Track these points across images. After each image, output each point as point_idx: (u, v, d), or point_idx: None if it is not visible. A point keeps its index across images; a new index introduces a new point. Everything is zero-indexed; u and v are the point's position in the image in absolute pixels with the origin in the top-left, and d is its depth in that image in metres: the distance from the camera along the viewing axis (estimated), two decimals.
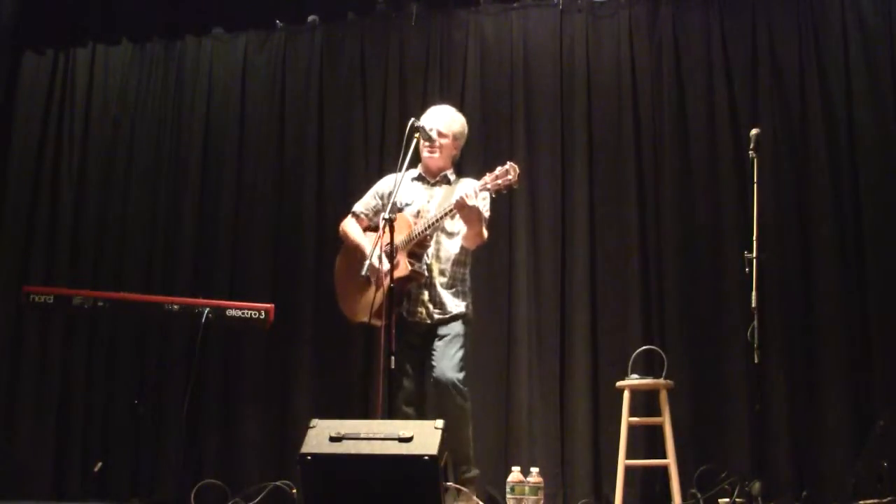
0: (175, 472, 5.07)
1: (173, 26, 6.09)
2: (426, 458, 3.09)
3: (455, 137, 4.10)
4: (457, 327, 3.92)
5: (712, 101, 5.25)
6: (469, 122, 5.47)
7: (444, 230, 3.97)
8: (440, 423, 3.21)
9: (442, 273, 3.94)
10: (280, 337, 5.36)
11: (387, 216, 3.64)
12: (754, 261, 4.14)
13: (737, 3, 5.33)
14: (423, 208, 3.99)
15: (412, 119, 3.97)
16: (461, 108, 5.52)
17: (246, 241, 5.73)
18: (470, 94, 5.58)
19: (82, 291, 4.91)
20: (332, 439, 3.18)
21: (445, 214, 3.80)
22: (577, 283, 5.20)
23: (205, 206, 5.83)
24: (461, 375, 3.86)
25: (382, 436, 3.17)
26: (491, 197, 3.89)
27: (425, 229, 3.84)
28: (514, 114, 5.48)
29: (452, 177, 4.13)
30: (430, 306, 3.91)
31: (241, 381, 5.52)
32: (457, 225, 3.91)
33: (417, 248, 3.86)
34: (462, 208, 3.71)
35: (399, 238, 3.80)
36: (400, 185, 3.80)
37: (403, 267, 3.79)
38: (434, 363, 3.87)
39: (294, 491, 4.36)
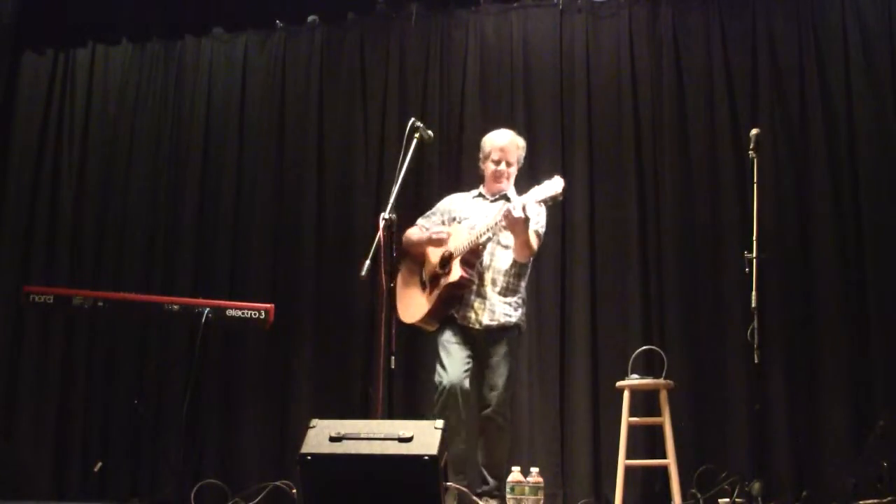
0: (175, 472, 5.07)
1: (173, 26, 6.10)
2: (426, 458, 3.08)
3: (519, 160, 4.23)
4: (505, 346, 3.99)
5: (712, 101, 5.25)
6: (468, 122, 5.53)
7: (499, 242, 4.06)
8: (440, 423, 3.21)
9: (494, 282, 4.03)
10: (280, 337, 5.36)
11: (387, 216, 3.68)
12: (754, 261, 4.14)
13: (737, 3, 5.33)
14: (479, 222, 4.05)
15: (412, 119, 3.98)
16: (461, 108, 5.57)
17: (246, 241, 5.73)
18: (470, 94, 5.58)
19: (82, 291, 4.90)
20: (332, 439, 3.18)
21: (496, 224, 3.88)
22: (577, 283, 5.20)
23: (205, 206, 5.83)
24: (505, 396, 3.96)
25: (382, 436, 3.17)
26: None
27: (477, 238, 3.94)
28: (514, 114, 5.47)
29: (512, 193, 4.17)
30: (481, 312, 4.00)
31: (241, 381, 5.52)
32: (511, 238, 3.98)
33: (470, 255, 3.97)
34: (507, 218, 3.80)
35: (454, 246, 3.98)
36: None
37: (455, 273, 3.93)
38: (483, 386, 3.98)
39: (294, 491, 4.36)
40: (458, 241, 4.00)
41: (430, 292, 4.01)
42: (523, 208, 3.74)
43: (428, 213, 4.36)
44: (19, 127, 6.11)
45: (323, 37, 5.89)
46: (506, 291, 4.04)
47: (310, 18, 5.93)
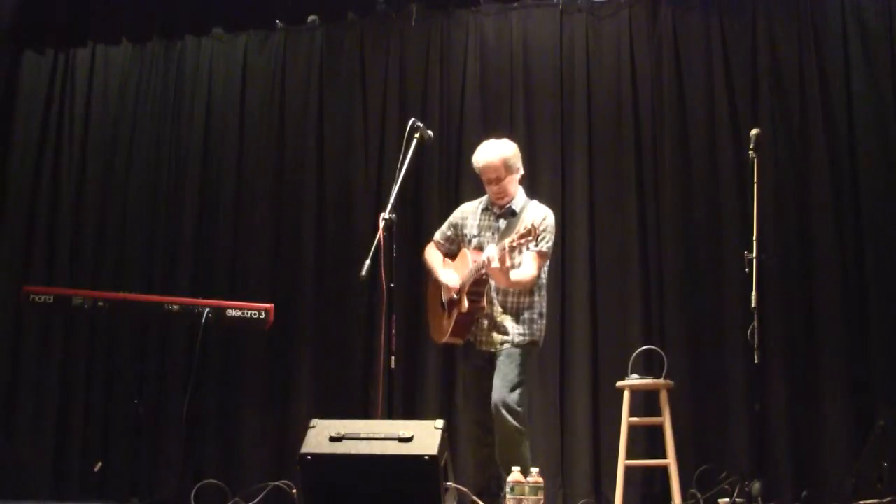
0: (175, 472, 5.07)
1: (173, 26, 6.10)
2: (426, 458, 3.09)
3: (511, 168, 4.03)
4: (517, 351, 3.94)
5: (712, 101, 5.25)
6: (468, 122, 5.53)
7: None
8: (440, 423, 3.21)
9: (503, 304, 3.98)
10: (280, 337, 5.36)
11: (387, 216, 3.69)
12: (754, 261, 4.14)
13: (737, 3, 5.33)
14: (484, 244, 4.01)
15: (412, 119, 3.98)
16: (461, 109, 5.57)
17: (246, 241, 5.73)
18: (470, 94, 5.58)
19: (82, 291, 4.90)
20: (332, 439, 3.19)
21: (480, 267, 3.86)
22: (577, 284, 5.20)
23: (205, 207, 5.83)
24: (513, 395, 3.87)
25: (382, 436, 3.18)
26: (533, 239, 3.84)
27: (478, 269, 3.89)
28: (513, 114, 5.48)
29: (519, 204, 4.07)
30: (495, 335, 3.97)
31: (241, 381, 5.52)
32: (518, 259, 3.90)
33: (475, 286, 3.93)
34: (486, 269, 3.81)
35: (463, 275, 3.97)
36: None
37: (464, 304, 3.92)
38: (493, 387, 3.93)
39: (294, 491, 4.36)
40: (466, 270, 3.97)
41: (448, 317, 4.02)
42: (501, 259, 3.71)
43: (443, 225, 4.30)
44: (19, 127, 6.11)
45: (323, 37, 5.89)
46: (518, 310, 3.97)
47: (310, 18, 5.93)
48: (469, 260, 4.00)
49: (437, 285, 4.15)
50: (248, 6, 6.05)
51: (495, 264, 3.74)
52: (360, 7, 5.85)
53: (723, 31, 5.30)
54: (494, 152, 4.04)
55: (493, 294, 3.98)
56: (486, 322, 3.97)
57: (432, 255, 4.24)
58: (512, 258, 3.79)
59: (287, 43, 5.94)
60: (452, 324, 3.97)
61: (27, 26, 6.14)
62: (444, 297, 4.06)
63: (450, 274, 4.07)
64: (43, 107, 6.11)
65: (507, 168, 4.02)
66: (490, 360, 3.98)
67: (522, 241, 3.70)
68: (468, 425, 4.10)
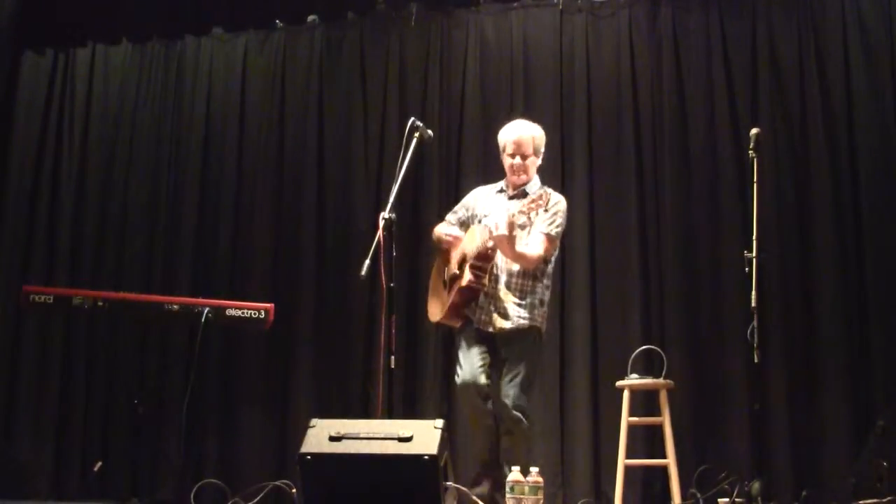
0: (175, 472, 5.07)
1: (173, 26, 6.10)
2: (426, 457, 3.09)
3: (537, 150, 4.07)
4: (519, 346, 3.91)
5: (712, 101, 5.25)
6: (468, 122, 5.53)
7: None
8: (440, 422, 3.21)
9: (507, 285, 3.95)
10: (280, 337, 5.36)
11: (387, 215, 3.68)
12: (754, 261, 4.14)
13: (737, 2, 5.34)
14: (493, 222, 3.97)
15: (412, 119, 3.98)
16: (461, 108, 5.57)
17: (246, 241, 5.73)
18: (470, 94, 5.58)
19: (82, 291, 4.90)
20: (332, 439, 3.18)
21: (485, 242, 3.85)
22: (577, 283, 5.20)
23: (205, 206, 5.83)
24: (524, 396, 3.85)
25: (382, 435, 3.17)
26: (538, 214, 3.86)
27: (484, 243, 3.86)
28: (513, 114, 5.45)
29: (533, 188, 4.06)
30: (495, 316, 3.93)
31: (241, 380, 5.53)
32: (524, 238, 3.91)
33: (479, 261, 3.90)
34: (491, 237, 3.80)
35: (469, 249, 3.93)
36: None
37: (465, 278, 3.89)
38: (499, 386, 3.90)
39: (294, 491, 4.36)
40: (473, 244, 3.94)
41: (449, 293, 3.99)
42: (509, 225, 3.69)
43: (456, 206, 4.29)
44: (19, 127, 6.10)
45: (323, 37, 5.89)
46: (520, 294, 3.94)
47: (310, 18, 5.93)
48: (477, 235, 3.96)
49: (443, 262, 4.13)
50: (248, 6, 6.06)
51: (502, 230, 3.70)
52: (360, 7, 5.86)
53: (723, 31, 5.30)
54: (528, 129, 4.08)
55: (498, 271, 3.95)
56: (487, 301, 3.93)
57: (439, 226, 4.23)
58: (518, 224, 3.78)
59: (287, 43, 5.94)
60: (451, 298, 3.93)
61: (27, 26, 6.13)
62: (447, 275, 4.05)
63: (453, 230, 4.08)
64: (43, 107, 6.11)
65: (535, 148, 4.06)
66: (489, 339, 3.94)
67: (533, 205, 3.71)
68: (478, 406, 3.92)
